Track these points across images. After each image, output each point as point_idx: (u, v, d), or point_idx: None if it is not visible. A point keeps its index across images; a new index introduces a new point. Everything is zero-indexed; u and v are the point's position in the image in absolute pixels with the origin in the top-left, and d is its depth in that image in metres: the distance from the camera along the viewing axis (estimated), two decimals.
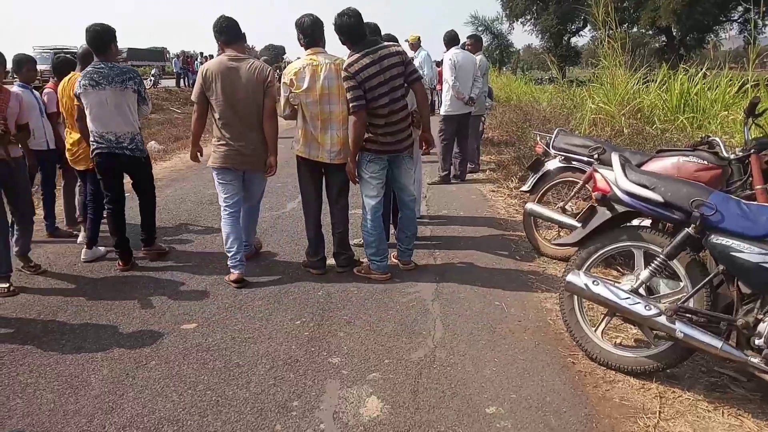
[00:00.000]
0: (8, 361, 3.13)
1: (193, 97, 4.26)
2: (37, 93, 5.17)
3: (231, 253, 4.18)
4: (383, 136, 4.10)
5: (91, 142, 4.37)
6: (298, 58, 4.74)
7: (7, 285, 4.03)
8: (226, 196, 4.25)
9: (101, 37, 4.28)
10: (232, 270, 4.19)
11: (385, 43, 4.12)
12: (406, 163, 4.31)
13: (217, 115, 4.16)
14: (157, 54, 43.49)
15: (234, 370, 2.98)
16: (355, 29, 3.99)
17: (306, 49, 4.14)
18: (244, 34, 4.31)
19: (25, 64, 5.02)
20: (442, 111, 7.60)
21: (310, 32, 4.08)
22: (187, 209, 6.52)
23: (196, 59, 28.67)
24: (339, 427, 2.51)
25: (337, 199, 4.39)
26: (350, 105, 3.96)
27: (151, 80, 26.81)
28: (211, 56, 28.89)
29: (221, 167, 4.19)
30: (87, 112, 4.29)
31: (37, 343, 3.33)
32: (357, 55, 3.94)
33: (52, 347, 3.28)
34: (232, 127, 4.14)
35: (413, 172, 4.39)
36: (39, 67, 5.49)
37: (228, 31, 4.18)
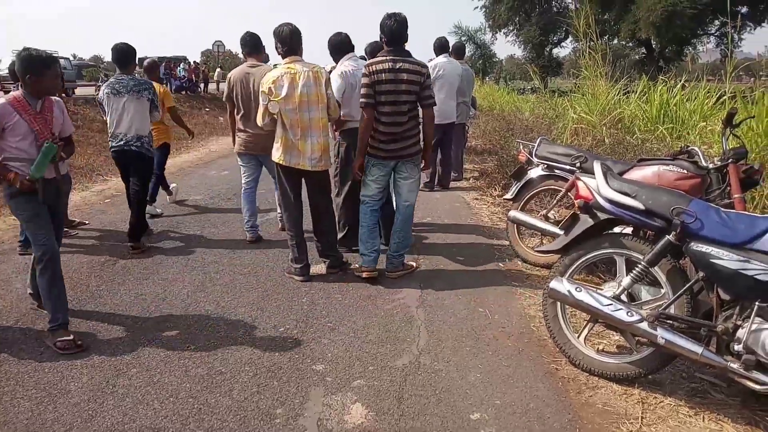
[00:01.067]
0: None
1: (224, 99, 5.28)
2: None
3: (246, 221, 5.34)
4: (384, 143, 4.16)
5: (109, 140, 5.11)
6: (275, 65, 4.82)
7: (72, 337, 3.33)
8: (245, 175, 5.32)
9: (126, 55, 5.05)
10: (247, 234, 5.36)
11: (414, 59, 4.14)
12: (408, 170, 4.32)
13: (238, 111, 5.09)
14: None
15: (216, 378, 2.95)
16: (396, 34, 4.09)
17: (284, 57, 4.18)
18: (264, 46, 5.25)
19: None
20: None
21: (288, 41, 4.14)
22: (169, 215, 6.45)
23: (179, 65, 28.51)
24: None
25: (319, 204, 4.39)
26: (360, 101, 4.11)
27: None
28: (195, 62, 28.83)
29: (241, 153, 5.23)
30: (108, 115, 5.01)
31: (14, 351, 3.27)
32: (380, 58, 4.07)
33: (30, 355, 3.22)
34: (250, 121, 4.92)
35: (415, 181, 4.42)
36: None
37: (249, 44, 5.13)
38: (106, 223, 6.15)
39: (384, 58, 4.04)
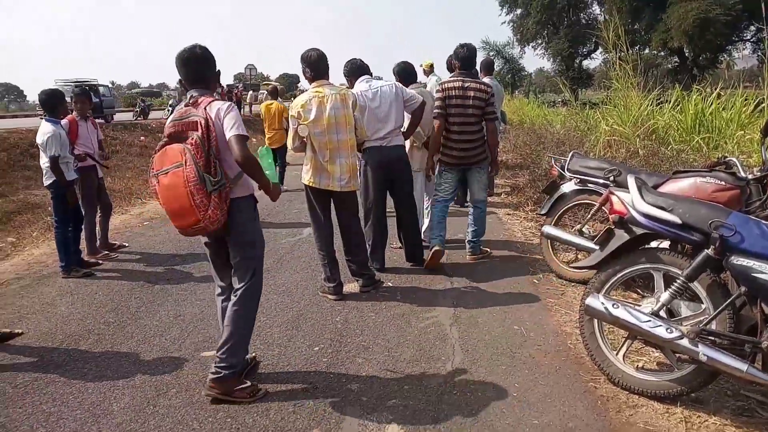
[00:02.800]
0: (32, 389, 3.17)
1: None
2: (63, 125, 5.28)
3: None
4: (451, 150, 5.01)
5: None
6: (303, 91, 4.94)
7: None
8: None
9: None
10: None
11: (480, 80, 5.14)
12: (476, 174, 5.14)
13: None
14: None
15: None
16: (467, 60, 5.05)
17: (311, 81, 4.26)
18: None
19: (58, 99, 5.19)
20: None
21: (316, 66, 4.24)
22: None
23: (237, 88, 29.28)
24: None
25: (349, 225, 4.46)
26: (433, 111, 5.00)
27: (168, 110, 27.29)
28: (228, 85, 29.51)
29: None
30: None
31: (60, 372, 3.37)
32: (452, 78, 5.03)
33: (74, 375, 3.32)
34: None
35: (482, 183, 5.23)
36: None
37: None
38: (145, 245, 6.31)
39: (455, 78, 4.96)
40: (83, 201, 5.59)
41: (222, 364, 2.91)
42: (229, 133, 2.74)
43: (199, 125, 2.66)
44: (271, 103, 8.82)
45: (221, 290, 3.16)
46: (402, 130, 4.96)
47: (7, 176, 10.83)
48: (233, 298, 2.99)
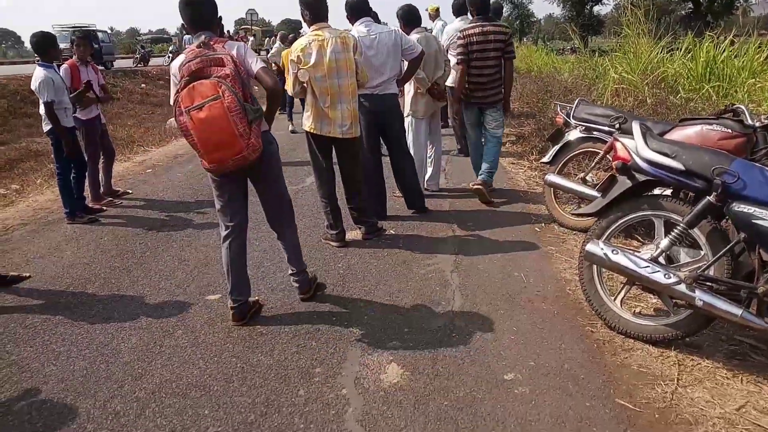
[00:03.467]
0: (41, 330, 3.26)
1: None
2: (59, 71, 5.22)
3: None
4: (473, 92, 5.37)
5: None
6: (302, 34, 4.80)
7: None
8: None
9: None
10: None
11: (498, 23, 5.43)
12: (492, 113, 5.45)
13: None
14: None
15: (258, 339, 3.06)
16: (481, 5, 5.31)
17: (310, 25, 4.14)
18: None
19: (47, 43, 5.05)
20: (449, 83, 6.94)
21: (315, 8, 4.10)
22: (208, 184, 6.55)
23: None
24: (360, 392, 2.57)
25: (351, 172, 4.44)
26: (456, 59, 5.39)
27: (168, 57, 26.89)
28: (229, 32, 28.89)
29: None
30: None
31: (68, 314, 3.45)
32: (472, 24, 5.27)
33: (82, 317, 3.40)
34: None
35: (499, 120, 5.48)
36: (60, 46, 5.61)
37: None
38: (148, 192, 6.34)
39: (475, 24, 5.22)
40: (86, 148, 5.59)
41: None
42: (256, 66, 2.90)
43: (226, 61, 2.75)
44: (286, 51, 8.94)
45: (230, 230, 3.22)
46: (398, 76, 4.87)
47: (9, 124, 10.81)
48: (288, 237, 3.42)
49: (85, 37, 5.88)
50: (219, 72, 2.72)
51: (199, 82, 2.71)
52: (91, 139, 5.64)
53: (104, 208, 5.63)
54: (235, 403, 2.52)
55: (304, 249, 4.32)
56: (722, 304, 2.58)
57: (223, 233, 3.24)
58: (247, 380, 2.69)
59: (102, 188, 5.87)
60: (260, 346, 2.99)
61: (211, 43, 2.83)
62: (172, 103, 2.85)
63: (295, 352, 2.92)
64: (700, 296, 2.62)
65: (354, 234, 4.61)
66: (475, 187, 5.39)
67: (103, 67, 20.25)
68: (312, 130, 4.23)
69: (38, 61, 5.06)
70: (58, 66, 5.38)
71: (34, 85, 4.94)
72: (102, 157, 5.88)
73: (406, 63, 4.93)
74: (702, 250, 2.79)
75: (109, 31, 29.51)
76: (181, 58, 2.87)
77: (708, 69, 8.22)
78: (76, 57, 5.61)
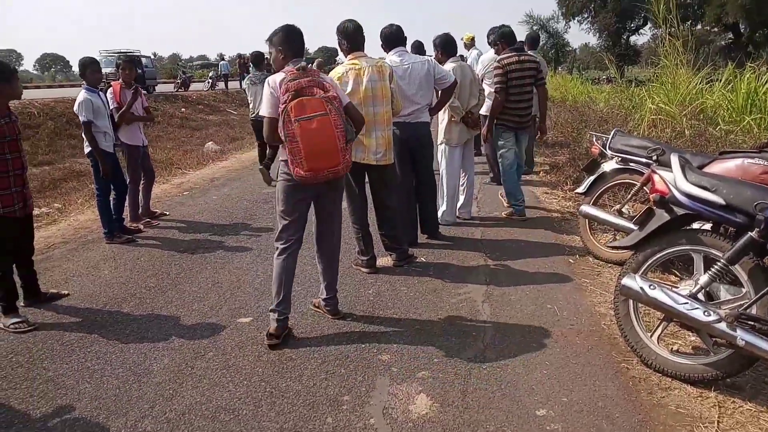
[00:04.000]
0: (77, 347, 3.33)
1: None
2: (104, 96, 5.40)
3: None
4: (512, 116, 5.70)
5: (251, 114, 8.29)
6: (339, 62, 4.90)
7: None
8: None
9: (260, 58, 8.51)
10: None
11: (528, 53, 5.91)
12: (525, 135, 5.98)
13: None
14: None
15: (287, 364, 3.07)
16: (510, 37, 5.85)
17: (347, 54, 4.22)
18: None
19: (88, 66, 5.25)
20: (483, 111, 7.33)
21: (352, 37, 4.18)
22: (243, 207, 6.72)
23: (251, 61, 29.41)
24: (388, 423, 2.54)
25: (384, 199, 4.46)
26: (494, 87, 5.62)
27: (208, 82, 27.62)
28: (267, 57, 29.43)
29: None
30: (250, 99, 8.29)
31: (103, 332, 3.52)
32: (508, 55, 5.62)
33: (117, 336, 3.47)
34: None
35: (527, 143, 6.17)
36: (105, 70, 5.88)
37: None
38: (185, 214, 6.48)
39: (510, 55, 5.59)
40: (128, 169, 5.78)
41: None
42: (345, 99, 3.36)
43: (329, 86, 3.18)
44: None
45: (290, 244, 3.42)
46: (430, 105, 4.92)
47: (54, 144, 11.21)
48: (332, 241, 3.69)
49: (129, 61, 6.20)
50: (324, 94, 3.10)
51: (307, 98, 3.06)
52: (133, 161, 5.84)
53: (142, 228, 5.76)
54: (263, 428, 2.52)
55: None
56: (766, 345, 2.48)
57: (282, 246, 3.41)
58: (275, 405, 2.69)
59: (141, 209, 6.03)
60: (289, 371, 3.00)
61: (310, 70, 3.19)
62: (268, 113, 3.20)
63: (324, 379, 2.91)
64: (742, 335, 2.53)
65: (385, 261, 4.61)
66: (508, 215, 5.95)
67: (145, 92, 20.94)
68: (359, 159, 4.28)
69: (83, 85, 5.29)
70: (104, 90, 5.60)
71: (75, 106, 5.17)
72: (143, 178, 6.04)
73: (439, 92, 4.98)
74: (744, 287, 2.70)
75: (152, 57, 30.57)
76: (281, 76, 3.17)
77: (749, 101, 8.05)
78: (122, 80, 5.87)
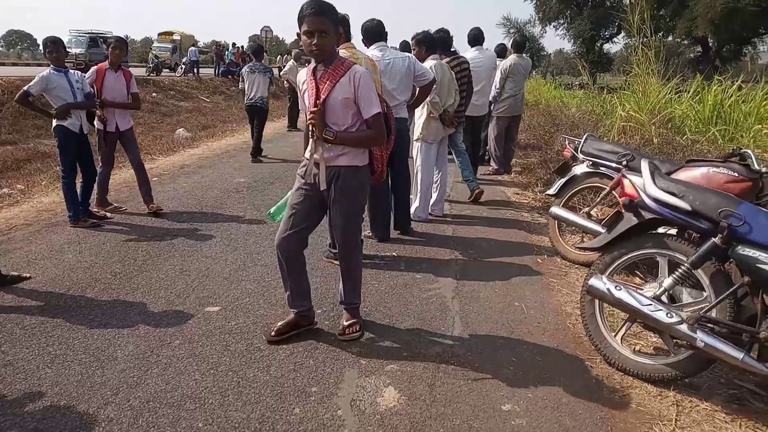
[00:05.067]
0: (38, 332, 3.24)
1: None
2: (74, 76, 5.24)
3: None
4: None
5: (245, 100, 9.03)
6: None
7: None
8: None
9: (260, 50, 9.48)
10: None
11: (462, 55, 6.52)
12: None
13: None
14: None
15: (255, 354, 3.05)
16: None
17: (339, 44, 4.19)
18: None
19: (47, 46, 5.08)
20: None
21: (346, 26, 4.17)
22: (213, 196, 6.63)
23: (227, 49, 28.95)
24: (356, 415, 2.55)
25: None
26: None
27: (181, 68, 27.10)
28: (242, 47, 29.01)
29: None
30: (247, 86, 8.89)
31: (66, 317, 3.44)
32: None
33: (80, 321, 3.39)
34: None
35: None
36: (74, 51, 5.63)
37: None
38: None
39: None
40: (99, 152, 5.64)
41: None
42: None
43: None
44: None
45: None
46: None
47: (19, 124, 10.87)
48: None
49: (120, 41, 5.80)
50: None
51: None
52: (104, 146, 5.69)
53: (108, 214, 5.63)
54: (229, 417, 2.50)
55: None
56: (723, 347, 2.57)
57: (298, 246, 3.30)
58: (242, 395, 2.67)
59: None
60: (257, 361, 2.98)
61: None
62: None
63: (292, 370, 2.90)
64: (702, 337, 2.61)
65: None
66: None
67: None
68: None
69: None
70: (84, 71, 5.44)
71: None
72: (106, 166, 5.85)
73: (417, 89, 5.01)
74: (705, 291, 2.79)
75: (125, 39, 29.81)
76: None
77: (715, 112, 8.31)
78: (109, 61, 5.64)
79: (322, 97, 2.91)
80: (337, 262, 4.40)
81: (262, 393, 2.69)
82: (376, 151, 3.17)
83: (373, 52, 4.69)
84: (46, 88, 5.00)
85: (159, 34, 32.42)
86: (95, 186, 5.62)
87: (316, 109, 2.90)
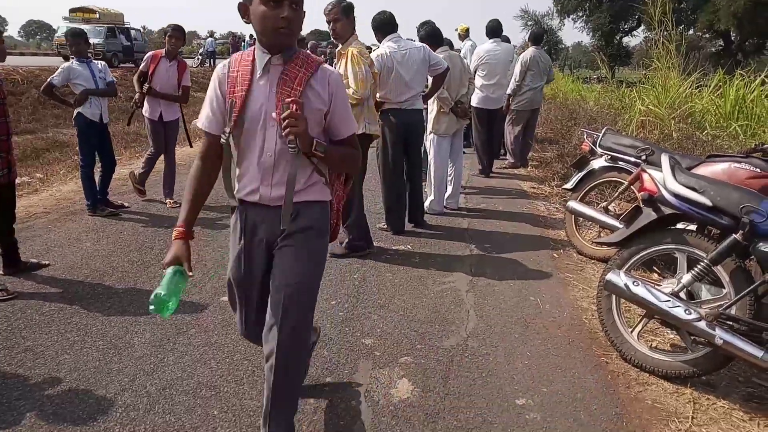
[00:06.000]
0: (57, 318, 3.29)
1: None
2: (96, 65, 5.29)
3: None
4: None
5: None
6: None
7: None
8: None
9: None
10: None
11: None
12: None
13: None
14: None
15: None
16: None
17: (347, 37, 4.22)
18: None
19: (68, 38, 5.19)
20: (473, 103, 7.39)
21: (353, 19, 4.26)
22: None
23: (244, 40, 29.04)
24: (370, 406, 2.56)
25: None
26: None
27: (197, 59, 27.22)
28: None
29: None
30: None
31: (84, 304, 3.48)
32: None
33: (98, 309, 3.43)
34: None
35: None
36: (92, 41, 5.64)
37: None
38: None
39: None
40: (150, 140, 5.80)
41: None
42: None
43: None
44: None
45: None
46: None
47: (38, 113, 11.01)
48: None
49: (178, 28, 5.57)
50: None
51: None
52: (151, 134, 5.73)
53: (126, 204, 5.68)
54: (244, 406, 2.52)
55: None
56: (743, 345, 2.53)
57: None
58: (257, 384, 2.68)
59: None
60: None
61: None
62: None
63: None
64: (721, 335, 2.58)
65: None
66: None
67: (133, 65, 20.56)
68: (377, 133, 4.48)
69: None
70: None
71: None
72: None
73: (430, 79, 5.02)
74: (725, 288, 2.75)
75: (141, 30, 30.00)
76: None
77: (737, 107, 8.17)
78: (165, 50, 5.56)
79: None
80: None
81: None
82: (338, 188, 2.26)
83: (388, 44, 4.67)
84: (69, 77, 5.04)
85: (71, 11, 24.26)
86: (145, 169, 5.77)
87: (296, 109, 1.84)
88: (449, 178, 5.84)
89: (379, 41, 4.83)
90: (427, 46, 4.96)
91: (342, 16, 4.12)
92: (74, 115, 5.15)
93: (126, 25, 24.41)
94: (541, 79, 7.90)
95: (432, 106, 5.51)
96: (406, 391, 2.68)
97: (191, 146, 6.22)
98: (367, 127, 4.22)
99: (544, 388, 2.76)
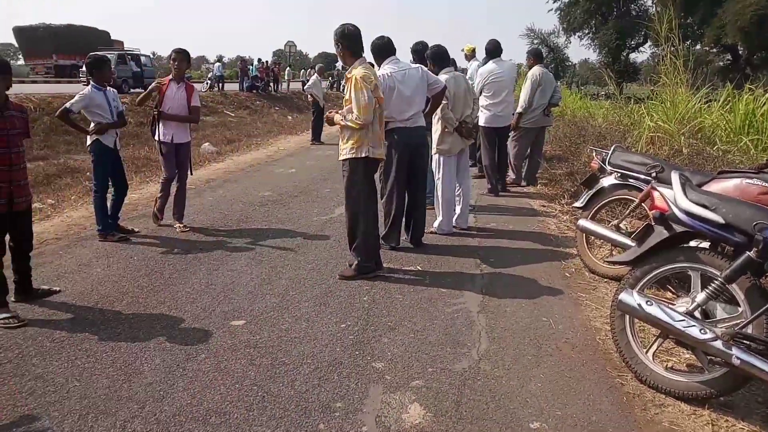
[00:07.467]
0: (68, 344, 3.29)
1: None
2: (110, 93, 5.35)
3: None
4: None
5: None
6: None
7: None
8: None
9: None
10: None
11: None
12: None
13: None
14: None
15: (280, 368, 3.04)
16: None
17: (353, 58, 4.32)
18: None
19: (91, 66, 5.29)
20: (481, 123, 7.49)
21: (360, 42, 4.37)
22: (239, 210, 6.69)
23: (251, 64, 29.41)
24: (381, 431, 2.52)
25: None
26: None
27: (206, 83, 27.54)
28: (267, 62, 29.47)
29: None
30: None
31: (94, 330, 3.48)
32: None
33: (108, 335, 3.43)
34: None
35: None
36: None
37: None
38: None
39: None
40: (162, 165, 5.83)
41: None
42: None
43: None
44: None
45: None
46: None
47: (50, 140, 11.15)
48: None
49: (182, 52, 5.69)
50: None
51: None
52: (163, 157, 5.76)
53: (135, 229, 5.70)
54: None
55: (329, 280, 4.37)
56: (761, 364, 2.48)
57: None
58: (267, 410, 2.66)
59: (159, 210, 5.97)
60: (282, 376, 2.97)
61: None
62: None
63: (317, 385, 2.88)
64: (738, 354, 2.52)
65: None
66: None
67: (143, 90, 20.83)
68: (381, 156, 4.50)
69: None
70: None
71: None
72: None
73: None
74: (740, 306, 2.70)
75: (151, 56, 30.50)
76: None
77: (747, 122, 8.10)
78: (172, 74, 5.66)
79: None
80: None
81: (287, 408, 2.68)
82: None
83: (388, 67, 4.83)
84: (87, 106, 5.12)
85: None
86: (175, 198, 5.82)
87: None
88: (457, 198, 5.83)
89: (378, 65, 4.92)
90: (424, 67, 5.09)
91: (344, 41, 4.29)
92: (90, 141, 5.21)
93: (136, 52, 24.85)
94: (540, 95, 7.92)
95: (435, 126, 5.54)
96: (418, 416, 2.64)
97: (191, 173, 6.13)
98: (371, 151, 4.29)
99: (558, 411, 2.71)
